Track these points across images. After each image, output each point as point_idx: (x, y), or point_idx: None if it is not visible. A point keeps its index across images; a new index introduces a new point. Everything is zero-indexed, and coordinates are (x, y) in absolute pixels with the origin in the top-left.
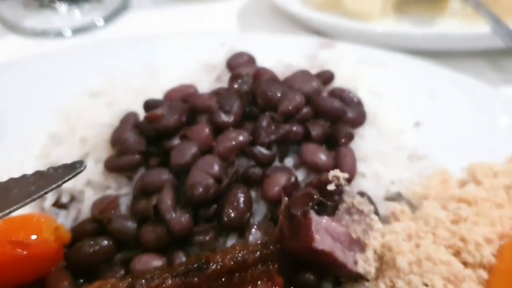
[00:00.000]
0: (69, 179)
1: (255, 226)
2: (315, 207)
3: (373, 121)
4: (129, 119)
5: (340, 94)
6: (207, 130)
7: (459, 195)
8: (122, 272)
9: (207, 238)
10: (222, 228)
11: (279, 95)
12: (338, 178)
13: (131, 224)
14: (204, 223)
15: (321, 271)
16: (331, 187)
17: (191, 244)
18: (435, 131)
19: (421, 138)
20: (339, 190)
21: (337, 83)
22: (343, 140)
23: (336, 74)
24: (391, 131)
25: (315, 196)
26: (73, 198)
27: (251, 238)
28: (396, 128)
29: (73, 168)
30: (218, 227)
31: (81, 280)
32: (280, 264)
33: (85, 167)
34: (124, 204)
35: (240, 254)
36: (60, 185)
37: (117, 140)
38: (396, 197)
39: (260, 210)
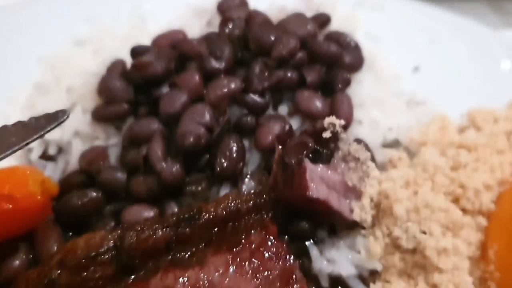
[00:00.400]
0: (51, 129)
1: (248, 176)
2: (310, 155)
3: (371, 66)
4: (116, 67)
5: (337, 38)
6: (197, 78)
7: (459, 141)
8: (112, 224)
9: (200, 188)
10: (215, 178)
11: (272, 39)
12: (334, 125)
13: (120, 175)
14: (196, 173)
15: (316, 219)
16: (326, 134)
17: (183, 194)
18: (435, 76)
19: (420, 83)
20: (335, 138)
21: (334, 26)
22: (339, 86)
23: (333, 17)
24: (389, 76)
25: (310, 144)
26: (60, 150)
27: (244, 187)
28: (394, 73)
29: (55, 118)
30: (210, 177)
31: (70, 233)
32: (274, 213)
33: (67, 117)
34: (113, 155)
35: (233, 204)
36: (42, 135)
37: (104, 89)
38: (394, 144)
39: (253, 160)
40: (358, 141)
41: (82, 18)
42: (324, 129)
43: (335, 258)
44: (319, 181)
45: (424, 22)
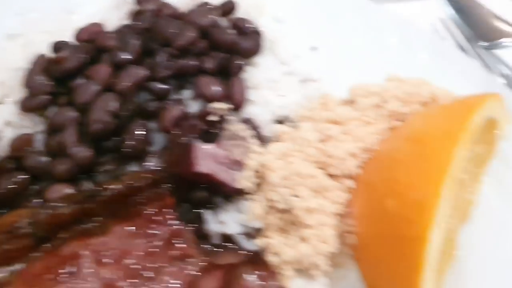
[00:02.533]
0: None
1: (152, 155)
2: (200, 135)
3: (272, 48)
4: (38, 62)
5: (238, 24)
6: (106, 69)
7: (329, 116)
8: (37, 202)
9: (109, 167)
10: (123, 157)
11: (174, 31)
12: (219, 109)
13: (44, 159)
14: (107, 155)
15: (212, 189)
16: (213, 118)
17: (97, 173)
18: (330, 54)
19: (316, 62)
20: (222, 120)
21: (241, 12)
22: (234, 71)
23: (240, 2)
24: (288, 56)
25: (198, 126)
26: None
27: (148, 165)
28: (292, 53)
29: None
30: (120, 157)
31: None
32: (172, 186)
33: None
34: (39, 141)
35: (132, 181)
36: None
37: (27, 82)
38: (285, 120)
39: (159, 140)
40: (247, 120)
41: (13, 13)
42: (211, 113)
43: (225, 220)
44: (206, 157)
45: (326, 2)
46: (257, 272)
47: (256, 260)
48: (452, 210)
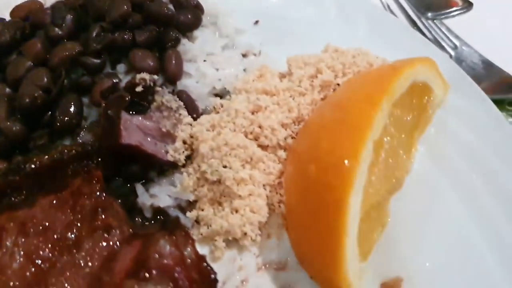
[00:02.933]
0: None
1: (84, 129)
2: (129, 107)
3: (215, 22)
4: None
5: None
6: (39, 45)
7: (262, 87)
8: None
9: (41, 142)
10: (55, 132)
11: (107, 5)
12: (145, 80)
13: None
14: (40, 130)
15: (144, 163)
16: (138, 89)
17: (30, 148)
18: (273, 27)
19: (259, 35)
20: (150, 91)
21: None
22: (169, 44)
23: None
24: (230, 30)
25: (126, 98)
26: None
27: (80, 139)
28: (235, 27)
29: None
30: (52, 132)
31: None
32: (104, 160)
33: None
34: None
35: (57, 154)
36: None
37: None
38: (224, 93)
39: (93, 115)
40: (181, 92)
41: None
42: (137, 84)
43: (157, 193)
44: (133, 129)
45: None
46: (172, 239)
47: (173, 228)
48: (379, 177)
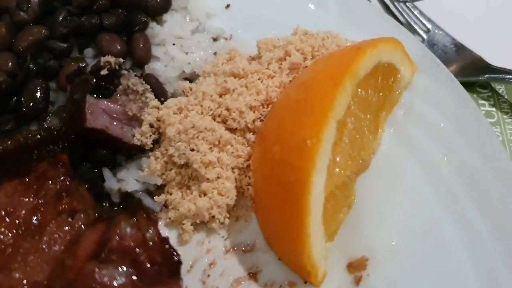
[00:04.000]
0: None
1: (50, 114)
2: (94, 90)
3: (185, 6)
4: None
5: None
6: (3, 29)
7: (230, 70)
8: None
9: (7, 127)
10: (21, 117)
11: None
12: (110, 62)
13: None
14: (6, 115)
15: (111, 147)
16: (104, 72)
17: None
18: (244, 11)
19: (230, 19)
20: (116, 74)
21: None
22: (137, 28)
23: None
24: (201, 14)
25: (91, 82)
26: None
27: (46, 124)
28: (206, 11)
29: None
30: (18, 117)
31: None
32: (70, 144)
33: None
34: None
35: (22, 138)
36: None
37: None
38: (194, 77)
39: (60, 100)
40: (148, 76)
41: None
42: (102, 67)
43: (125, 178)
44: (99, 113)
45: None
46: (133, 221)
47: (134, 211)
48: (344, 157)
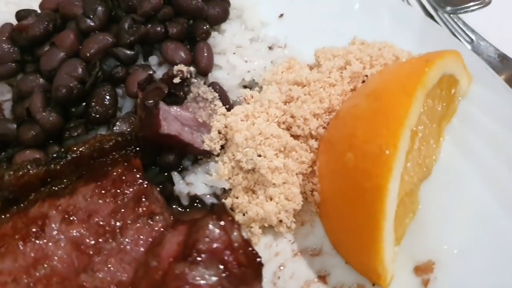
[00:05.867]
0: None
1: (119, 119)
2: (166, 98)
3: (240, 15)
4: (3, 31)
5: None
6: (72, 36)
7: (293, 78)
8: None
9: (77, 132)
10: (90, 122)
11: None
12: (182, 71)
13: (10, 126)
14: (75, 120)
15: (179, 152)
16: (176, 80)
17: (65, 138)
18: (298, 21)
19: (284, 28)
20: (187, 82)
21: None
22: (200, 37)
23: None
24: (256, 24)
25: (164, 89)
26: None
27: (116, 129)
28: (261, 20)
29: None
30: (88, 122)
31: None
32: (141, 149)
33: None
34: (8, 109)
35: (97, 143)
36: None
37: None
38: (252, 84)
39: (127, 105)
40: (213, 84)
41: None
42: (175, 76)
43: (193, 181)
44: (172, 119)
45: None
46: (219, 223)
47: (220, 214)
48: (413, 165)
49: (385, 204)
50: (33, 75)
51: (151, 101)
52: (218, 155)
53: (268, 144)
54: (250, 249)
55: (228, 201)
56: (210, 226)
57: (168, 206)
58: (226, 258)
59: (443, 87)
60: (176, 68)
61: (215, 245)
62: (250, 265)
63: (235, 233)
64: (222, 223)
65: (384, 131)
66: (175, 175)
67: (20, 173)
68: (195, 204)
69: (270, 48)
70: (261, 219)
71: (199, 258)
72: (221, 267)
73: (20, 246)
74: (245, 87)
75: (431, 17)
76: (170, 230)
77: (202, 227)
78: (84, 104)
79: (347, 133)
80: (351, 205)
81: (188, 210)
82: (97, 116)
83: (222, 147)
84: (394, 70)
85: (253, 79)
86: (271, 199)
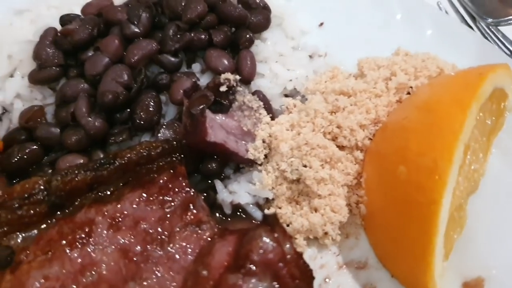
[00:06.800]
0: None
1: (164, 126)
2: (211, 106)
3: (280, 23)
4: (47, 35)
5: (247, 0)
6: (116, 42)
7: (339, 88)
8: (50, 172)
9: (122, 138)
10: (135, 129)
11: (183, 4)
12: (229, 80)
13: (54, 130)
14: (119, 126)
15: (222, 160)
16: (223, 88)
17: (109, 144)
18: (337, 30)
19: (324, 37)
20: (232, 91)
21: None
22: (243, 45)
23: None
24: (296, 32)
25: (210, 97)
26: (4, 111)
27: (160, 136)
28: (301, 29)
29: None
30: (132, 128)
31: (15, 181)
32: (185, 156)
33: None
34: (50, 113)
35: (144, 150)
36: None
37: (36, 55)
38: (293, 93)
39: (170, 112)
40: (257, 92)
41: None
42: (221, 84)
43: (236, 190)
44: (218, 127)
45: None
46: (273, 234)
47: (273, 225)
48: (463, 179)
49: (438, 219)
50: (77, 79)
51: (198, 109)
52: (261, 164)
53: (314, 154)
54: (302, 261)
55: (271, 211)
56: (264, 237)
57: (212, 215)
58: (279, 270)
59: (494, 101)
60: (223, 76)
61: (268, 257)
62: (302, 278)
63: (288, 245)
64: (275, 234)
65: (439, 145)
66: (218, 183)
67: (68, 178)
68: (238, 214)
69: (310, 56)
70: (306, 231)
71: (252, 270)
72: (274, 279)
73: (67, 251)
74: (285, 96)
75: (469, 27)
76: (219, 240)
77: (255, 238)
78: (128, 110)
79: (399, 146)
80: (401, 219)
81: (229, 219)
82: (142, 122)
83: (265, 156)
84: (446, 83)
85: (295, 88)
86: (316, 211)
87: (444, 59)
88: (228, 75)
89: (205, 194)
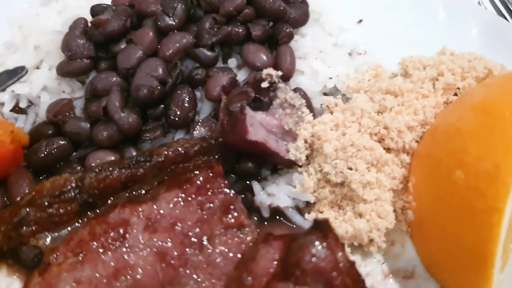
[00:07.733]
0: (12, 83)
1: (199, 123)
2: (251, 103)
3: (318, 19)
4: (77, 25)
5: None
6: (151, 34)
7: (386, 87)
8: (79, 168)
9: (155, 135)
10: (169, 125)
11: None
12: (271, 76)
13: (84, 125)
14: (152, 122)
15: (259, 160)
16: (264, 84)
17: (141, 140)
18: (377, 27)
19: (363, 34)
20: (273, 87)
21: None
22: (283, 40)
23: None
24: (334, 28)
25: (250, 94)
26: (30, 103)
27: (195, 133)
28: (339, 25)
29: (14, 73)
30: (165, 124)
31: (42, 178)
32: (221, 155)
33: (26, 72)
34: (78, 107)
35: (181, 148)
36: (4, 89)
37: (66, 46)
38: (333, 92)
39: (205, 109)
40: (296, 89)
41: None
42: (263, 80)
43: (275, 193)
44: (258, 125)
45: None
46: (326, 242)
47: (325, 231)
48: None
49: (500, 228)
50: (108, 73)
51: (237, 106)
52: (301, 166)
53: (360, 156)
54: (354, 271)
55: (311, 216)
56: (317, 245)
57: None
58: (332, 280)
59: None
60: (265, 71)
61: (321, 265)
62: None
63: (340, 253)
64: (329, 241)
65: (501, 149)
66: (256, 185)
67: (102, 175)
68: (277, 217)
69: (349, 54)
70: (351, 237)
71: (303, 278)
72: None
73: (100, 254)
74: (325, 94)
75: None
76: (263, 245)
77: (306, 245)
78: (162, 106)
79: (455, 149)
80: (456, 227)
81: (265, 222)
82: (177, 119)
83: (306, 157)
84: (504, 83)
85: (335, 86)
86: (360, 216)
87: (491, 59)
88: (270, 70)
89: (242, 196)
